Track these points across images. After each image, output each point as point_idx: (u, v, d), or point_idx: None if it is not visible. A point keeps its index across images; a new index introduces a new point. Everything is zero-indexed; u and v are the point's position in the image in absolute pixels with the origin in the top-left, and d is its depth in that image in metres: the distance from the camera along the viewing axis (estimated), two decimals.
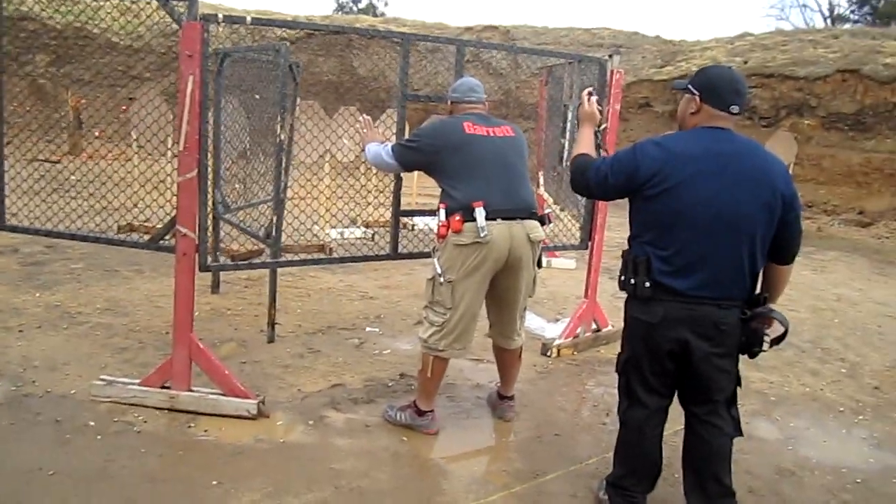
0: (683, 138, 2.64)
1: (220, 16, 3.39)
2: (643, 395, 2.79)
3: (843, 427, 4.08)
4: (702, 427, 2.74)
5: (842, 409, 4.33)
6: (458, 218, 3.25)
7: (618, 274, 2.80)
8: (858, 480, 3.44)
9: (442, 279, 3.32)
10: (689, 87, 2.67)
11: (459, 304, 3.34)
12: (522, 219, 3.36)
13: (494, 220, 3.26)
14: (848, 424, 4.12)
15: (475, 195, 3.27)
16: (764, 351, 2.68)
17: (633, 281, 2.68)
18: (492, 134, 3.44)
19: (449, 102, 3.68)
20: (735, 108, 2.59)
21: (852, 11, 29.37)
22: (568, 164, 5.69)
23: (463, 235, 3.25)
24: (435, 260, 3.38)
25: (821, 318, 6.47)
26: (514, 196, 3.37)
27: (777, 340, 2.68)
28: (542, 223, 3.52)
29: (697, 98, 2.63)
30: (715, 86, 2.61)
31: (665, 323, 2.61)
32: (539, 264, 3.57)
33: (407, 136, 3.69)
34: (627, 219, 2.80)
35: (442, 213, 3.34)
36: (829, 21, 29.60)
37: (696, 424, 2.77)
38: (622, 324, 2.88)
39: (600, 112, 3.18)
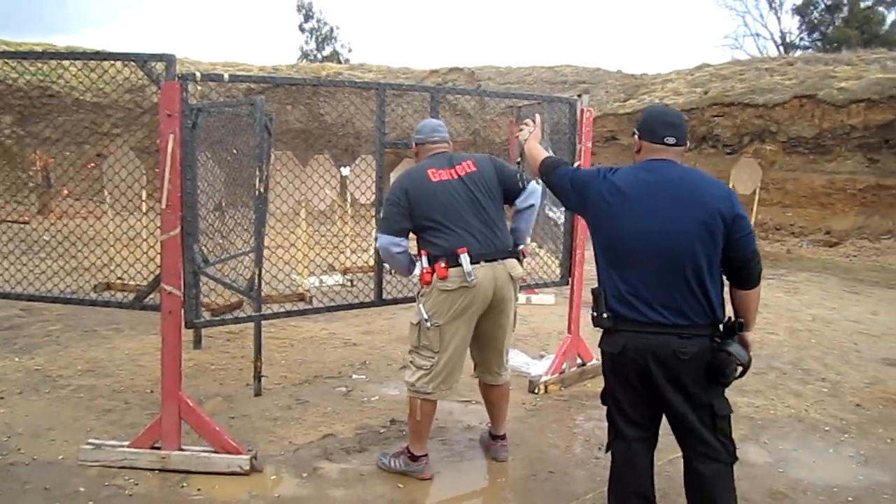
0: (622, 171, 2.79)
1: (199, 74, 3.43)
2: (623, 427, 2.83)
3: (830, 446, 4.14)
4: (693, 456, 2.75)
5: (827, 428, 4.39)
6: (443, 265, 3.30)
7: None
8: (850, 498, 3.49)
9: (429, 324, 3.35)
10: (634, 130, 2.85)
11: (448, 347, 3.38)
12: (503, 258, 3.43)
13: (478, 262, 3.33)
14: (834, 443, 4.18)
15: (458, 242, 3.33)
16: (737, 378, 2.68)
17: (594, 313, 2.77)
18: (456, 175, 3.48)
19: (414, 145, 3.75)
20: (670, 139, 2.71)
21: (801, 38, 30.33)
22: (546, 201, 5.78)
23: (449, 281, 3.30)
24: (420, 306, 3.41)
25: (798, 340, 6.58)
26: (492, 237, 3.43)
27: (742, 372, 2.69)
28: (519, 259, 3.58)
29: (636, 137, 2.82)
30: (648, 123, 2.78)
31: (626, 352, 2.67)
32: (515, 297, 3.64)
33: (382, 210, 3.67)
34: None
35: (424, 259, 3.39)
36: (781, 49, 30.51)
37: (687, 454, 2.78)
38: None
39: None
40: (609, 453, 2.94)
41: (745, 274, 2.71)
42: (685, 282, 2.61)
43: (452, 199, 3.42)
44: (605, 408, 2.95)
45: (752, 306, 2.78)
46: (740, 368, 2.66)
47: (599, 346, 2.84)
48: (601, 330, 2.82)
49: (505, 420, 3.85)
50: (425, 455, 3.55)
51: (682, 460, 2.82)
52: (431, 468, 3.57)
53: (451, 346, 3.39)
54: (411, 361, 3.49)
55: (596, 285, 2.84)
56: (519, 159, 3.66)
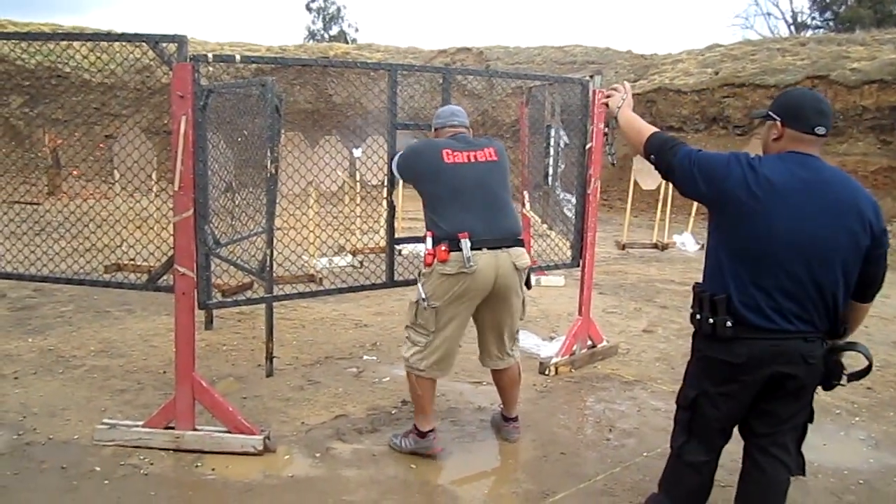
0: (770, 162, 2.48)
1: (210, 56, 3.42)
2: (713, 437, 2.71)
3: (841, 429, 4.14)
4: (765, 459, 2.64)
5: (838, 411, 4.39)
6: (444, 248, 3.30)
7: (690, 310, 2.68)
8: (861, 481, 3.49)
9: (426, 304, 3.38)
10: (770, 113, 2.54)
11: (442, 329, 3.41)
12: (508, 247, 3.40)
13: (480, 249, 3.32)
14: (846, 426, 4.18)
15: (460, 226, 3.33)
16: (842, 385, 2.60)
17: (711, 320, 2.52)
18: (472, 160, 3.46)
19: (433, 129, 3.74)
20: (821, 129, 2.44)
21: (813, 18, 30.02)
22: (555, 184, 5.76)
23: (448, 265, 3.30)
24: (420, 285, 3.45)
25: None
26: (498, 224, 3.41)
27: (858, 375, 2.60)
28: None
29: (779, 123, 2.50)
30: (796, 108, 2.48)
31: (751, 363, 2.48)
32: (528, 285, 3.64)
33: (399, 153, 3.77)
34: (704, 248, 2.69)
35: (429, 241, 3.39)
36: (792, 28, 30.20)
37: (759, 456, 2.67)
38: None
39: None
40: (673, 451, 2.82)
41: (872, 289, 2.57)
42: (822, 294, 2.44)
43: (462, 182, 3.40)
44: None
45: (861, 318, 2.67)
46: (863, 367, 2.57)
47: (707, 353, 2.62)
48: (693, 331, 2.65)
49: (517, 403, 3.87)
50: (432, 430, 3.57)
51: (746, 464, 2.74)
52: (440, 443, 3.59)
53: (447, 329, 3.41)
54: (407, 337, 3.54)
55: (696, 286, 2.66)
56: (606, 131, 3.45)
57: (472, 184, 3.41)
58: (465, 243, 3.28)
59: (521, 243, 3.48)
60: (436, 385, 3.60)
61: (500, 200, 3.47)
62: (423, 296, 3.38)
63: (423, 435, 3.56)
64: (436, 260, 3.32)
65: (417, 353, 3.46)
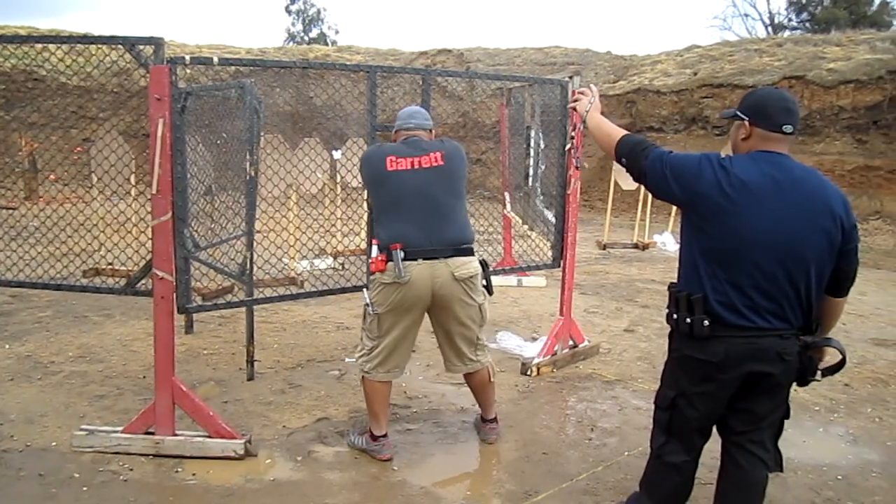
0: (740, 161, 2.49)
1: (188, 58, 3.40)
2: (692, 437, 2.71)
3: (820, 426, 4.18)
4: (744, 457, 2.66)
5: (817, 407, 4.44)
6: (380, 258, 3.33)
7: (666, 310, 2.69)
8: (840, 477, 3.53)
9: (370, 310, 3.43)
10: (738, 112, 2.55)
11: (385, 335, 3.46)
12: (447, 256, 3.37)
13: (415, 259, 3.32)
14: (824, 423, 4.23)
15: (396, 236, 3.34)
16: (817, 380, 2.62)
17: (688, 320, 2.53)
18: (416, 166, 3.40)
19: (393, 131, 3.72)
20: (788, 128, 2.45)
21: (790, 19, 30.33)
22: (536, 185, 5.79)
23: (385, 275, 3.34)
24: (365, 291, 3.53)
25: None
26: (436, 234, 3.37)
27: (832, 369, 2.64)
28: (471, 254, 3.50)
29: (747, 122, 2.52)
30: (763, 107, 2.49)
31: (728, 361, 2.49)
32: (489, 290, 3.62)
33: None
34: (679, 246, 2.70)
35: (374, 248, 3.42)
36: (770, 29, 30.50)
37: (737, 454, 2.68)
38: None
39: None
40: (653, 453, 2.83)
41: (845, 284, 2.60)
42: (796, 291, 2.46)
43: (403, 190, 3.38)
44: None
45: (837, 313, 2.69)
46: (836, 362, 2.60)
47: (685, 352, 2.62)
48: (670, 331, 2.66)
49: (492, 405, 3.86)
50: (384, 435, 3.58)
51: (724, 462, 2.76)
52: (390, 449, 3.58)
53: (389, 336, 3.45)
54: (360, 338, 3.61)
55: (672, 286, 2.66)
56: (573, 134, 3.44)
57: (413, 192, 3.38)
58: (397, 254, 3.29)
59: (464, 252, 3.43)
60: (388, 389, 3.60)
61: (443, 208, 3.41)
62: (368, 301, 3.44)
63: (375, 439, 3.58)
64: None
65: (365, 355, 3.53)
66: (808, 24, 28.20)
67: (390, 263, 3.30)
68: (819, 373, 2.61)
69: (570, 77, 4.86)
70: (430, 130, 3.65)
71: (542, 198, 5.56)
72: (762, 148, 2.50)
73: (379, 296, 3.39)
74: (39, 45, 4.02)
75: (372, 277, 3.44)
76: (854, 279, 2.62)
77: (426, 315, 3.53)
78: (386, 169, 3.41)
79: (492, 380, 3.77)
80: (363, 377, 3.57)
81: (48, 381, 4.54)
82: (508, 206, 7.27)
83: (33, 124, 14.98)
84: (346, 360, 5.14)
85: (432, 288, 3.35)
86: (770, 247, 2.42)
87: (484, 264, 3.60)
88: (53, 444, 3.62)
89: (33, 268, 4.02)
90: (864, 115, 13.87)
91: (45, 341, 5.42)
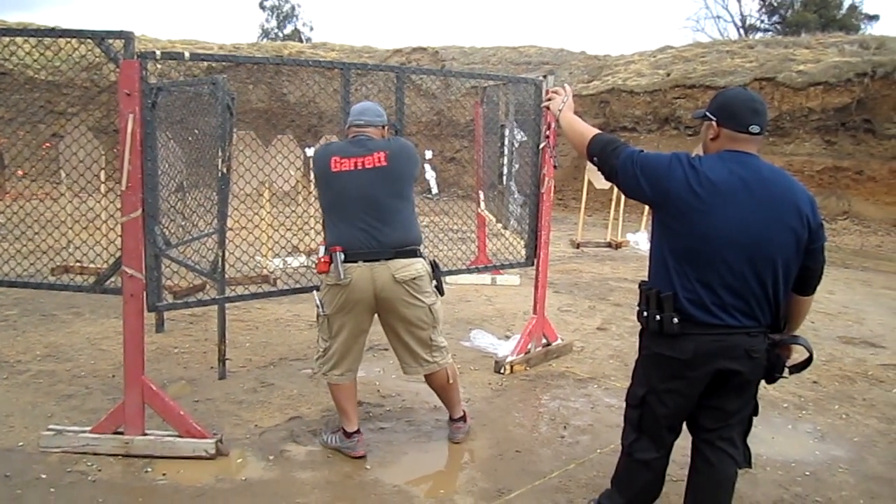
0: (709, 161, 2.52)
1: (158, 53, 3.35)
2: (662, 434, 2.73)
3: (789, 422, 4.24)
4: (713, 453, 2.68)
5: (785, 405, 4.50)
6: (324, 259, 3.35)
7: (637, 308, 2.71)
8: (808, 473, 3.59)
9: (320, 311, 3.45)
10: (707, 113, 2.58)
11: (335, 336, 3.49)
12: (388, 259, 3.36)
13: (355, 262, 3.33)
14: (793, 419, 4.29)
15: (335, 238, 3.37)
16: (785, 377, 2.66)
17: (658, 317, 2.55)
18: (358, 167, 3.36)
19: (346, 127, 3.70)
20: (755, 128, 2.48)
21: (762, 21, 30.70)
22: (510, 184, 5.79)
23: (329, 277, 3.37)
24: (315, 293, 3.53)
25: None
26: (377, 236, 3.35)
27: (799, 367, 2.68)
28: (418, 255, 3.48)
29: (715, 123, 2.55)
30: (731, 108, 2.52)
31: (697, 359, 2.51)
32: (440, 291, 3.58)
33: None
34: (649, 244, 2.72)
35: (321, 249, 3.44)
36: (741, 31, 30.84)
37: (707, 451, 2.71)
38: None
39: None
40: (624, 450, 2.85)
41: (812, 282, 2.63)
42: (764, 289, 2.48)
43: (344, 192, 3.37)
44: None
45: (806, 310, 2.73)
46: (804, 359, 2.64)
47: (654, 350, 2.65)
48: (640, 329, 2.68)
49: (457, 405, 3.83)
50: (357, 432, 3.57)
51: (694, 459, 2.78)
52: (363, 446, 3.58)
53: (339, 337, 3.48)
54: (317, 339, 3.63)
55: (642, 284, 2.68)
56: (548, 134, 3.44)
57: (354, 193, 3.36)
58: (337, 256, 3.31)
59: (407, 254, 3.41)
60: (352, 388, 3.61)
61: (385, 210, 3.38)
62: (317, 302, 3.47)
63: (348, 436, 3.57)
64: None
65: (321, 357, 3.57)
66: (779, 27, 28.58)
67: (332, 265, 3.33)
68: (787, 370, 2.65)
69: (545, 76, 4.87)
70: (383, 127, 3.60)
71: (515, 196, 5.57)
72: (730, 148, 2.52)
73: (326, 296, 3.43)
74: (6, 39, 3.94)
75: (322, 278, 3.46)
76: (820, 278, 2.65)
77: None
78: (331, 170, 3.39)
79: (451, 381, 3.72)
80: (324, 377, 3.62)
81: (14, 380, 4.46)
82: (483, 205, 7.27)
83: (0, 119, 14.70)
84: None
85: (374, 290, 3.35)
86: (738, 245, 2.44)
87: (434, 265, 3.58)
88: (20, 444, 3.55)
89: (0, 265, 3.94)
90: (832, 116, 14.10)
91: (12, 340, 5.32)
